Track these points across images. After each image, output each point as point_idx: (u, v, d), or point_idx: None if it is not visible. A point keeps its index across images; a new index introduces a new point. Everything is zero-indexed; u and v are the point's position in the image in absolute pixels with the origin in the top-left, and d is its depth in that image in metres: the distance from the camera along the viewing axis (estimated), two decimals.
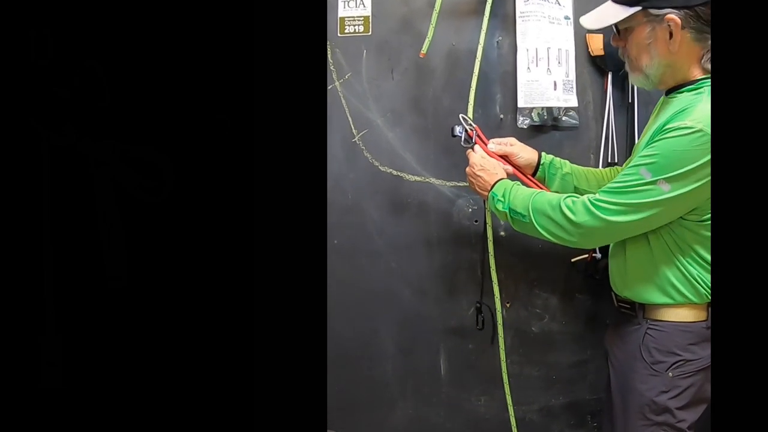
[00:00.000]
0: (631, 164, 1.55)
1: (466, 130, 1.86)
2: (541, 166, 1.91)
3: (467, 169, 1.84)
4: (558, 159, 1.93)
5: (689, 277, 1.57)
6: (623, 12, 1.54)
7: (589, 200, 1.56)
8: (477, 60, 1.90)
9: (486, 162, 1.82)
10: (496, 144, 1.88)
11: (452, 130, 1.87)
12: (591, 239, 1.64)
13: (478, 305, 2.08)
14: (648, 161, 1.49)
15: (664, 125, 1.49)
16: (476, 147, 1.85)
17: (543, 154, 1.92)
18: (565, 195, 1.63)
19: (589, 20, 1.62)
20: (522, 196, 1.69)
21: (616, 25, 1.60)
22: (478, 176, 1.81)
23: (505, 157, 1.86)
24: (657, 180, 1.47)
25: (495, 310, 1.98)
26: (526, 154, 1.90)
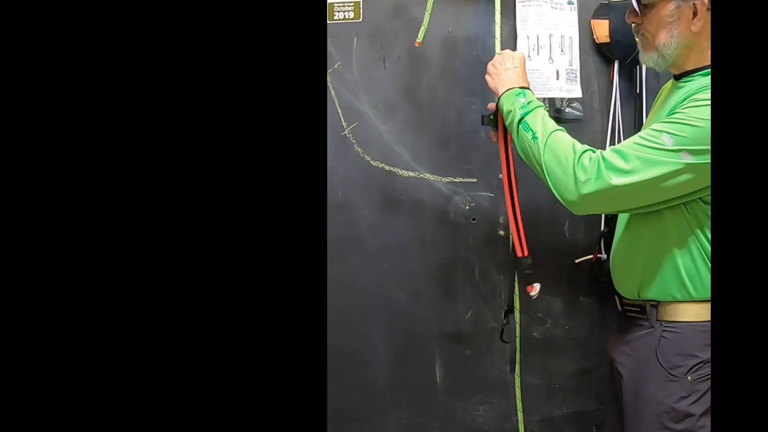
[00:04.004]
0: (650, 127, 1.57)
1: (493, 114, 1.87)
2: None
3: (489, 65, 1.84)
4: None
5: (702, 269, 1.63)
6: None
7: (602, 159, 1.57)
8: (497, 42, 1.94)
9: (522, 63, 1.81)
10: None
11: (482, 119, 1.91)
12: (590, 206, 1.66)
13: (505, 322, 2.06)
14: (672, 130, 1.51)
15: (686, 98, 1.54)
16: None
17: None
18: (587, 148, 1.62)
19: None
20: (547, 121, 1.68)
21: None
22: (510, 68, 1.79)
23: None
24: (680, 150, 1.50)
25: (514, 319, 2.03)
26: None
